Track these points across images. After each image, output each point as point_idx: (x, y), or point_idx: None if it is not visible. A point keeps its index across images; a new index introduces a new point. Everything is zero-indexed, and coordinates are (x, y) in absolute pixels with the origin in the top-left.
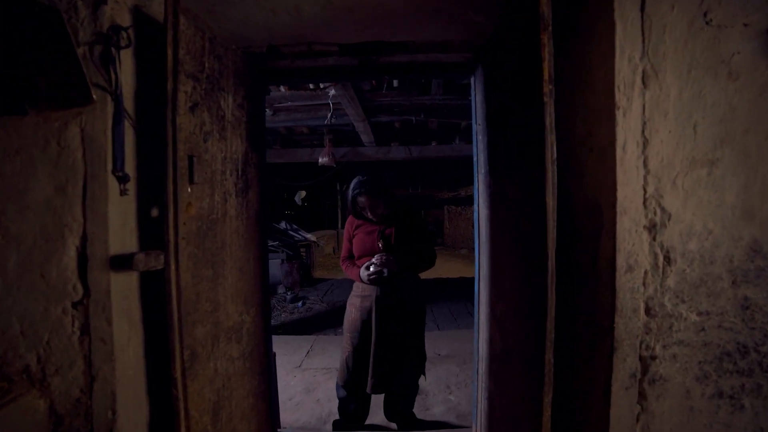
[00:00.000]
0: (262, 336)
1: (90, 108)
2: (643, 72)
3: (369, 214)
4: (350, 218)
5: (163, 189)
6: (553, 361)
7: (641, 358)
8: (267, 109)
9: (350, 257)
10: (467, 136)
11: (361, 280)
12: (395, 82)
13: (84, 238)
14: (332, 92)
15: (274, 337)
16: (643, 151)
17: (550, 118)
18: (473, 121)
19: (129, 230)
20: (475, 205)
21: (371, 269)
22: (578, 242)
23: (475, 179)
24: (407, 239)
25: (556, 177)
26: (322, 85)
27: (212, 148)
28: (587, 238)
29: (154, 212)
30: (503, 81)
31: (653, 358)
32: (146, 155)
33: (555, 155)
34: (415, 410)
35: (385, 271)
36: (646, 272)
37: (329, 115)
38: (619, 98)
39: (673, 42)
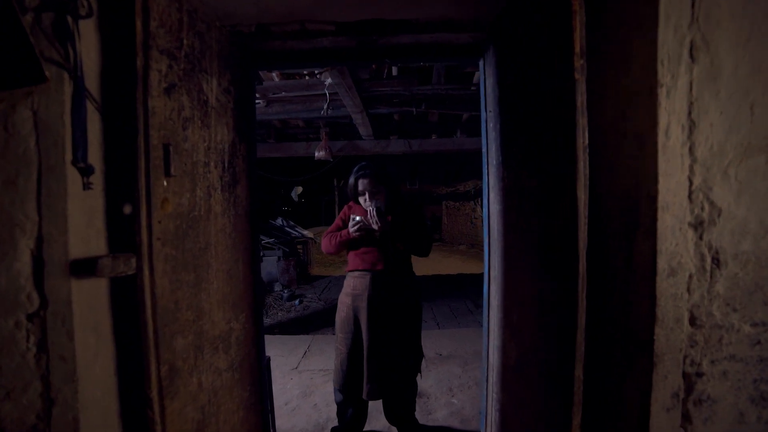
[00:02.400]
0: (254, 344)
1: (43, 88)
2: (692, 43)
3: (368, 200)
4: (349, 203)
5: (134, 182)
6: (582, 378)
7: (685, 376)
8: (260, 101)
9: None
10: (469, 129)
11: (347, 237)
12: (394, 70)
13: (39, 240)
14: (329, 81)
15: (270, 338)
16: (690, 137)
17: (581, 98)
18: (482, 109)
19: (95, 230)
20: (485, 200)
21: (357, 218)
22: (608, 242)
23: (485, 172)
24: (404, 226)
25: (587, 167)
26: (318, 74)
27: (193, 136)
28: (619, 237)
29: (127, 209)
30: (519, 61)
31: (699, 375)
32: (116, 144)
33: (587, 141)
34: (417, 414)
35: (375, 220)
36: (690, 276)
37: (326, 105)
38: (662, 75)
39: (729, 6)
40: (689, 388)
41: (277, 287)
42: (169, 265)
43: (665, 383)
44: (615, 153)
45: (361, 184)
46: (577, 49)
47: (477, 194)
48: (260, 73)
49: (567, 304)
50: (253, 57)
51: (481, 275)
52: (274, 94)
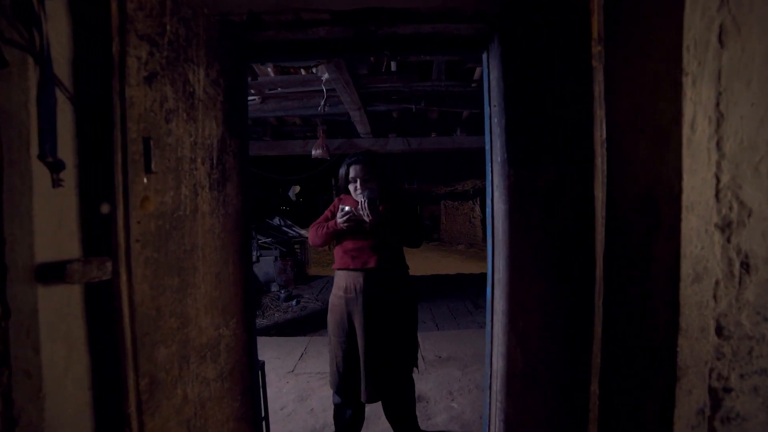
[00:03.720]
0: (245, 350)
1: (3, 73)
2: (721, 27)
3: (358, 188)
4: (340, 196)
5: (110, 179)
6: (599, 392)
7: (712, 391)
8: (255, 97)
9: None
10: (469, 128)
11: (335, 229)
12: (393, 65)
13: (1, 242)
14: (325, 76)
15: (266, 339)
16: (717, 130)
17: (599, 88)
18: (486, 104)
19: (68, 232)
20: (488, 200)
21: (346, 209)
22: (624, 245)
23: (488, 169)
24: (396, 218)
25: (606, 163)
26: (313, 67)
27: (177, 130)
28: (637, 239)
29: (105, 208)
30: (526, 51)
31: (727, 390)
32: (91, 137)
33: (605, 135)
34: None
35: (367, 212)
36: (717, 282)
37: (322, 101)
38: (688, 62)
39: None
40: (716, 405)
41: (274, 287)
42: (149, 268)
43: (689, 399)
44: (631, 148)
45: (353, 170)
46: (595, 34)
47: (476, 194)
48: (255, 68)
49: (579, 311)
50: (244, 48)
51: (481, 275)
52: (269, 90)
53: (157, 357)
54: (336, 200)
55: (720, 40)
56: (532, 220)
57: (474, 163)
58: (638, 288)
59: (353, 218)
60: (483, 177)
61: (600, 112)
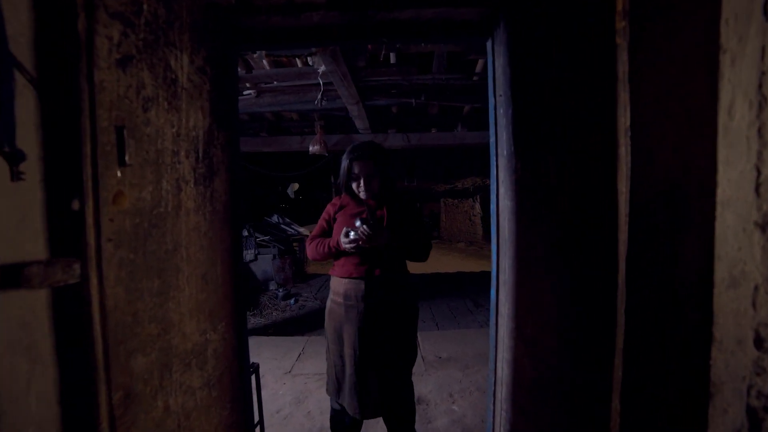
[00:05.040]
0: (236, 355)
1: None
2: None
3: (362, 185)
4: (333, 201)
5: (78, 172)
6: (620, 409)
7: (750, 410)
8: (251, 91)
9: (321, 237)
10: (470, 123)
11: (336, 249)
12: (392, 57)
13: None
14: (322, 68)
15: (264, 339)
16: (759, 116)
17: (623, 68)
18: (490, 95)
19: (32, 231)
20: (493, 196)
21: (351, 236)
22: (649, 244)
23: (493, 164)
24: (400, 224)
25: (630, 153)
26: (309, 56)
27: (157, 120)
28: (662, 238)
29: (76, 205)
30: (535, 34)
31: None
32: (58, 126)
33: (629, 122)
34: (417, 423)
35: (364, 229)
36: (756, 288)
37: (319, 95)
38: (727, 38)
39: None
40: (756, 426)
41: (272, 286)
42: (124, 270)
43: (725, 419)
44: (655, 137)
45: (357, 167)
46: (620, 6)
47: (476, 191)
48: (250, 60)
49: (595, 318)
50: (234, 34)
51: (481, 273)
52: (265, 83)
53: (133, 367)
54: (329, 206)
55: (765, 12)
56: (542, 218)
57: (474, 160)
58: (665, 294)
59: (362, 245)
60: (483, 174)
61: (624, 96)
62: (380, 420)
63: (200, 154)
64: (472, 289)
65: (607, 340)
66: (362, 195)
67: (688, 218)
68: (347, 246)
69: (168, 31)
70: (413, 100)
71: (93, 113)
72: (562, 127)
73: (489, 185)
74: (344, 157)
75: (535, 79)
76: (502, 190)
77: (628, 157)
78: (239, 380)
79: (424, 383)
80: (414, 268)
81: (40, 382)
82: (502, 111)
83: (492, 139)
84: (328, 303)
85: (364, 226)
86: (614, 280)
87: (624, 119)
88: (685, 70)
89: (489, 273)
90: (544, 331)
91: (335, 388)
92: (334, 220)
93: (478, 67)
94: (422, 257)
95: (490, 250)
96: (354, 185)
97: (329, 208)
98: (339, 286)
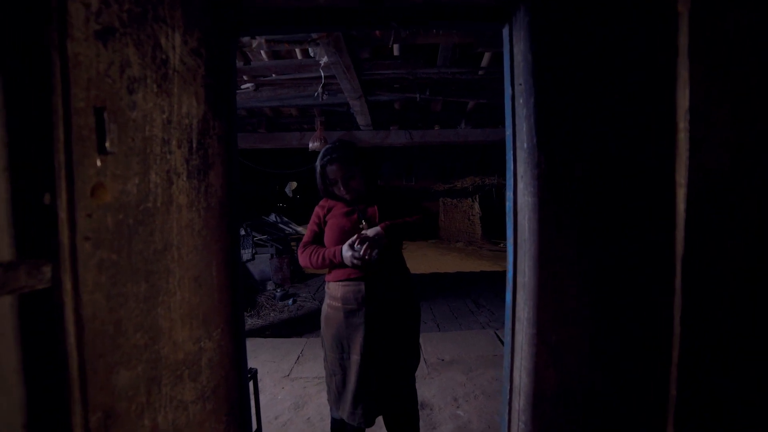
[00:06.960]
0: (233, 364)
1: None
2: None
3: (342, 189)
4: (321, 203)
5: (50, 159)
6: None
7: None
8: (249, 84)
9: (313, 243)
10: (474, 120)
11: (336, 261)
12: (396, 49)
13: None
14: (324, 60)
15: (261, 341)
16: None
17: (684, 40)
18: (507, 84)
19: None
20: (509, 192)
21: (356, 256)
22: (707, 244)
23: (509, 158)
24: (394, 217)
25: (689, 140)
26: (311, 53)
27: (145, 104)
28: (722, 237)
29: (47, 198)
30: (566, 11)
31: None
32: (29, 108)
33: (688, 103)
34: (421, 429)
35: (375, 253)
36: None
37: (320, 87)
38: None
39: None
40: None
41: (270, 286)
42: (105, 273)
43: None
44: (710, 120)
45: (331, 172)
46: None
47: (475, 191)
48: (247, 52)
49: (638, 326)
50: (232, 15)
51: (481, 273)
52: (264, 76)
53: (115, 383)
54: (318, 209)
55: None
56: (568, 216)
57: (474, 160)
58: (722, 300)
59: (365, 262)
60: (483, 173)
61: (684, 73)
62: (383, 427)
63: (194, 145)
64: (473, 289)
65: (654, 352)
66: (346, 197)
67: (760, 217)
68: (352, 262)
69: (158, 5)
70: (417, 95)
71: (66, 91)
72: (595, 114)
73: (488, 185)
74: (317, 162)
75: (564, 62)
76: (521, 186)
77: (687, 144)
78: (237, 391)
79: (427, 387)
80: (414, 268)
81: (4, 402)
82: (522, 101)
83: (509, 132)
84: (324, 308)
85: (365, 246)
86: (663, 283)
87: (683, 100)
88: (740, 42)
89: (489, 273)
90: (571, 339)
91: (335, 399)
92: (325, 223)
93: (484, 61)
94: (424, 234)
95: (488, 250)
96: (335, 189)
97: (318, 211)
98: (336, 289)
